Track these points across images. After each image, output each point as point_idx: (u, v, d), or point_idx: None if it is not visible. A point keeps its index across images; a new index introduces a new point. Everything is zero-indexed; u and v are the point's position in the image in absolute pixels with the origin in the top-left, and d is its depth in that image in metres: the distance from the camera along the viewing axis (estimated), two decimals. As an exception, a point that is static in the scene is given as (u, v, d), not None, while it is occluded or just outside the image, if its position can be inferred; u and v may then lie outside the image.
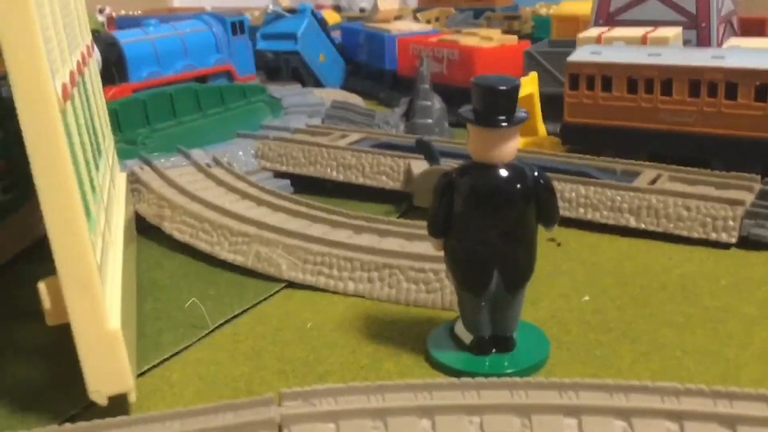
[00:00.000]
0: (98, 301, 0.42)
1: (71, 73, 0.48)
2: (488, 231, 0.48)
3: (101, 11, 1.64)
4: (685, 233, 0.70)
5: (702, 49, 0.97)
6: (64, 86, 0.43)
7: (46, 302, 0.43)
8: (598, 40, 0.97)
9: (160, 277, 0.68)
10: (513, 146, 0.48)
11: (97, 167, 0.55)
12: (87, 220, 0.42)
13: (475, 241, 0.49)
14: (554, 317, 0.58)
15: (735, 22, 1.21)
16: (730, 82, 0.79)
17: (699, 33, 1.08)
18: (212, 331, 0.58)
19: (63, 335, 0.44)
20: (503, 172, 0.48)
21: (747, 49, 0.87)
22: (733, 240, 0.68)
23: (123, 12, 1.78)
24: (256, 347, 0.55)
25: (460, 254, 0.50)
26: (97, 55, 1.00)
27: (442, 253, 0.51)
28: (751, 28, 1.28)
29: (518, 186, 0.48)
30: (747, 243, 0.68)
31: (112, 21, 1.61)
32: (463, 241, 0.49)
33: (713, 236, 0.69)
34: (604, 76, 0.86)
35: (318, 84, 1.42)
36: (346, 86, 1.46)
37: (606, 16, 1.13)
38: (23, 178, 0.74)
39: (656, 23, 1.07)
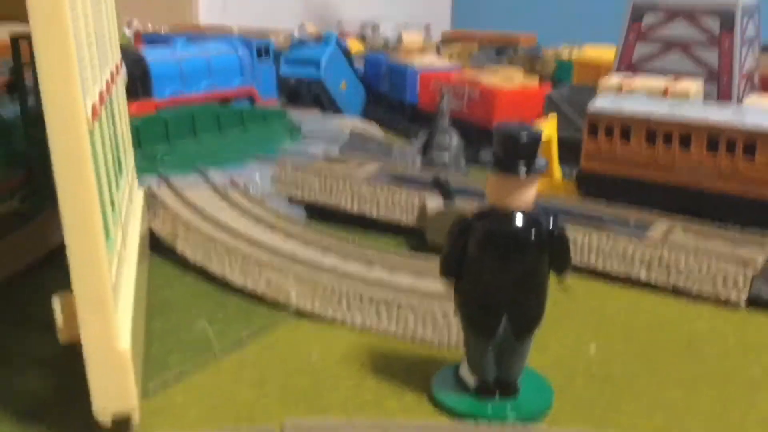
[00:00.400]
0: (110, 321, 0.43)
1: (101, 93, 0.49)
2: (500, 276, 0.49)
3: (129, 24, 1.67)
4: (695, 289, 0.70)
5: (723, 105, 0.98)
6: (93, 106, 0.44)
7: (59, 319, 0.43)
8: (619, 88, 0.97)
9: (171, 296, 0.68)
10: (531, 194, 0.48)
11: (118, 185, 0.56)
12: (106, 240, 0.43)
13: (487, 286, 0.49)
14: (559, 365, 0.58)
15: (756, 79, 1.22)
16: (749, 142, 0.80)
17: (720, 87, 1.09)
18: (218, 356, 0.58)
19: (73, 349, 0.44)
20: (519, 220, 0.48)
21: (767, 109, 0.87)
22: (743, 299, 0.68)
23: (150, 26, 1.81)
24: (260, 375, 0.56)
25: (470, 297, 0.50)
26: (123, 70, 1.02)
27: (451, 293, 0.51)
28: (772, 85, 1.28)
29: (533, 234, 0.48)
30: (757, 303, 0.68)
31: (138, 36, 1.63)
32: (474, 285, 0.50)
33: (723, 294, 0.69)
34: (623, 127, 0.86)
35: (338, 111, 1.43)
36: (365, 115, 1.47)
37: (628, 64, 1.14)
38: (40, 187, 0.75)
39: (678, 74, 1.07)
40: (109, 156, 0.52)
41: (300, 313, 0.65)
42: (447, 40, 1.94)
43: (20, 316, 0.64)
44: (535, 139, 0.47)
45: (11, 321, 0.63)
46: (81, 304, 0.42)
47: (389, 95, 1.47)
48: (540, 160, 0.48)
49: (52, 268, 0.69)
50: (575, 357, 0.59)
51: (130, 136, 0.75)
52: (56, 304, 0.44)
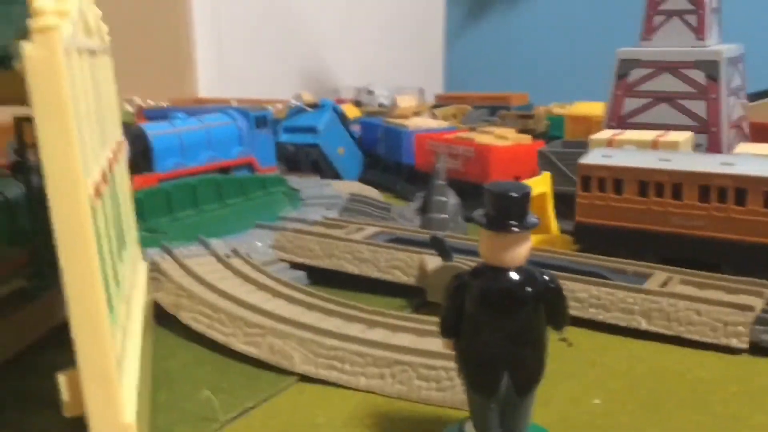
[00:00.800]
0: (115, 395, 0.43)
1: (102, 171, 0.51)
2: (498, 333, 0.49)
3: (130, 102, 1.71)
4: (696, 337, 0.70)
5: (711, 154, 1.00)
6: (95, 185, 0.46)
7: (66, 395, 0.44)
8: (609, 142, 0.99)
9: (175, 366, 0.69)
10: (524, 250, 0.49)
11: (121, 260, 0.57)
12: (109, 315, 0.44)
13: (485, 343, 0.50)
14: (564, 420, 0.58)
15: (745, 127, 1.24)
16: (740, 189, 0.81)
17: (709, 138, 1.11)
18: (223, 425, 0.58)
19: (79, 425, 0.45)
20: (514, 276, 0.49)
21: (756, 156, 0.89)
22: (744, 346, 0.68)
23: (150, 102, 1.85)
24: (266, 442, 0.56)
25: (470, 355, 0.50)
26: (125, 146, 1.04)
27: (453, 352, 0.52)
28: (762, 133, 1.31)
29: (528, 289, 0.49)
30: (757, 349, 0.68)
31: (140, 111, 1.67)
32: (473, 343, 0.50)
33: (723, 341, 0.69)
34: (615, 179, 0.88)
35: (336, 176, 1.45)
36: (363, 179, 1.49)
37: (618, 118, 1.16)
38: (45, 266, 0.76)
39: (667, 127, 1.10)
40: (112, 231, 0.53)
41: (304, 378, 0.65)
42: (440, 102, 1.98)
43: (25, 393, 0.65)
44: (526, 196, 0.49)
45: (17, 399, 0.64)
46: (86, 379, 0.42)
47: (386, 158, 1.50)
48: (531, 217, 0.49)
49: (56, 346, 0.70)
50: (580, 410, 0.59)
51: (133, 210, 0.76)
52: (62, 380, 0.45)
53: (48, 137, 0.41)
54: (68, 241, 0.41)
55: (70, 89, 0.42)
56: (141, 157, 1.10)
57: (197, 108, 1.53)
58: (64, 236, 0.41)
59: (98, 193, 0.47)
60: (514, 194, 0.48)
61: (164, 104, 1.77)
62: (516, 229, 0.48)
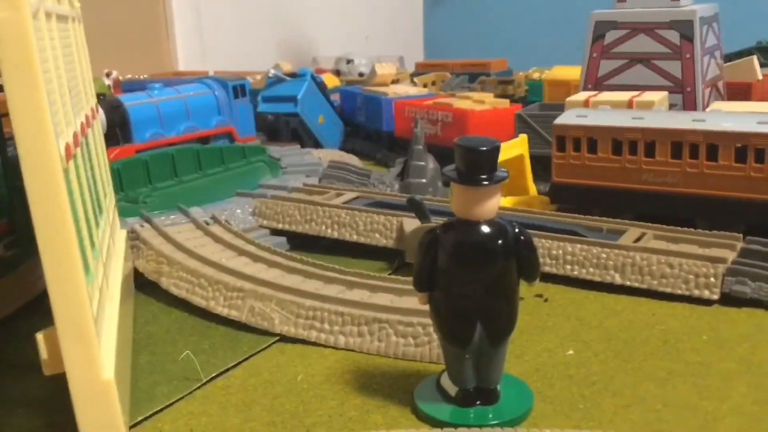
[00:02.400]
0: (93, 352, 0.44)
1: (75, 135, 0.51)
2: (471, 285, 0.50)
3: (108, 75, 1.69)
4: (668, 290, 0.72)
5: (684, 112, 1.01)
6: (67, 146, 0.46)
7: (44, 353, 0.45)
8: (585, 103, 1.00)
9: (156, 331, 0.70)
10: (494, 204, 0.50)
11: (97, 224, 0.57)
12: (85, 275, 0.44)
13: (459, 295, 0.51)
14: (539, 371, 0.59)
15: (721, 87, 1.25)
16: (711, 144, 0.82)
17: (685, 97, 1.12)
18: (205, 383, 0.59)
19: (59, 388, 0.45)
20: (485, 229, 0.50)
21: (727, 113, 0.90)
22: (715, 297, 0.70)
23: (130, 75, 1.84)
24: (247, 399, 0.57)
25: (444, 308, 0.51)
26: (101, 116, 1.04)
27: (428, 307, 0.53)
28: (737, 92, 1.32)
29: (500, 242, 0.50)
30: (729, 300, 0.70)
31: (118, 84, 1.66)
32: (447, 295, 0.51)
33: (696, 293, 0.70)
34: (589, 138, 0.89)
35: (317, 145, 1.45)
36: (344, 147, 1.50)
37: (594, 81, 1.17)
38: (25, 236, 0.76)
39: (643, 88, 1.10)
40: (87, 195, 0.53)
41: (285, 339, 0.66)
42: (420, 71, 1.98)
43: (6, 359, 0.65)
44: (494, 150, 0.49)
45: None
46: (63, 335, 0.43)
47: (366, 125, 1.50)
48: (501, 171, 0.50)
49: (38, 313, 0.71)
50: (554, 361, 0.61)
51: (109, 178, 0.77)
52: (40, 339, 0.45)
53: (17, 99, 0.41)
54: (41, 201, 0.42)
55: (39, 51, 0.42)
56: (118, 128, 1.10)
57: (174, 79, 1.52)
58: (37, 196, 0.42)
59: (70, 155, 0.47)
60: (483, 148, 0.49)
61: (143, 76, 1.76)
62: (486, 183, 0.49)
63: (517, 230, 0.51)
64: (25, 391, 0.59)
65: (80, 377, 0.44)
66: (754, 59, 1.39)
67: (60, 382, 0.45)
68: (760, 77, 1.37)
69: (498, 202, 0.50)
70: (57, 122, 0.44)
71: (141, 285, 0.78)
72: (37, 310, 0.71)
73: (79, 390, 0.44)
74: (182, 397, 0.57)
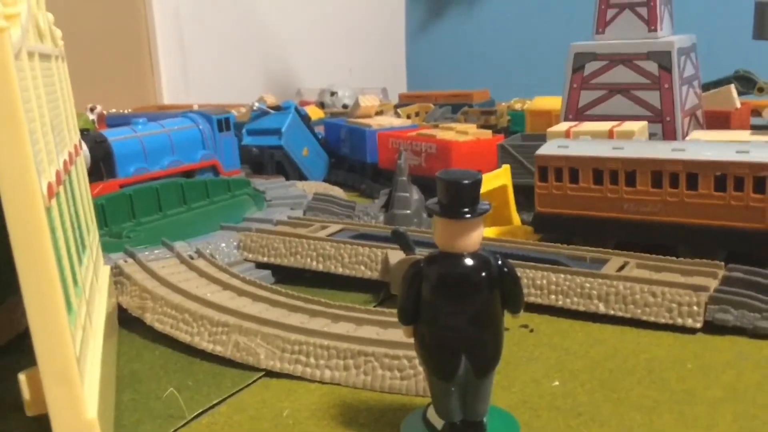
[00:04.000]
0: (76, 392, 0.44)
1: (57, 173, 0.51)
2: (456, 317, 0.50)
3: (92, 109, 1.70)
4: (652, 319, 0.72)
5: (664, 142, 1.02)
6: (49, 186, 0.46)
7: (26, 393, 0.44)
8: (566, 134, 1.01)
9: (140, 368, 0.69)
10: (477, 236, 0.50)
11: (80, 261, 0.57)
12: (68, 314, 0.44)
13: (444, 327, 0.51)
14: (525, 402, 0.59)
15: (700, 116, 1.27)
16: (691, 173, 0.83)
17: (664, 127, 1.14)
18: (189, 421, 0.59)
19: (42, 429, 0.45)
20: (468, 261, 0.50)
21: (706, 142, 0.92)
22: (699, 325, 0.70)
23: (114, 110, 1.84)
24: (232, 436, 0.56)
25: (429, 341, 0.51)
26: (85, 152, 1.04)
27: (413, 340, 0.53)
28: (716, 121, 1.34)
29: (483, 274, 0.50)
30: (712, 328, 0.70)
31: (102, 119, 1.66)
32: (432, 328, 0.51)
33: (679, 321, 0.71)
34: (571, 168, 0.90)
35: (302, 177, 1.46)
36: (329, 179, 1.50)
37: (575, 111, 1.19)
38: (6, 274, 0.75)
39: (623, 118, 1.12)
40: (70, 232, 0.53)
41: (270, 373, 0.66)
42: (404, 102, 2.00)
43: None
44: (476, 183, 0.50)
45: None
46: (46, 376, 0.43)
47: (350, 157, 1.50)
48: (483, 204, 0.50)
49: (20, 351, 0.70)
50: (540, 392, 0.61)
51: (93, 214, 0.76)
52: (22, 380, 0.45)
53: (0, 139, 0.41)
54: (23, 241, 0.42)
55: (21, 90, 0.42)
56: (102, 162, 1.10)
57: (159, 113, 1.53)
58: (19, 236, 0.41)
59: (53, 194, 0.47)
60: (466, 181, 0.50)
61: (127, 111, 1.76)
62: (468, 216, 0.49)
63: (500, 262, 0.51)
64: (7, 430, 0.58)
65: (63, 418, 0.44)
66: (732, 88, 1.41)
67: (43, 423, 0.45)
68: (738, 106, 1.40)
69: (481, 235, 0.51)
70: (39, 161, 0.45)
71: (125, 321, 0.77)
72: (22, 347, 0.70)
73: (62, 431, 0.44)
74: (167, 436, 0.57)
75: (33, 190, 0.42)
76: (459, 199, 0.49)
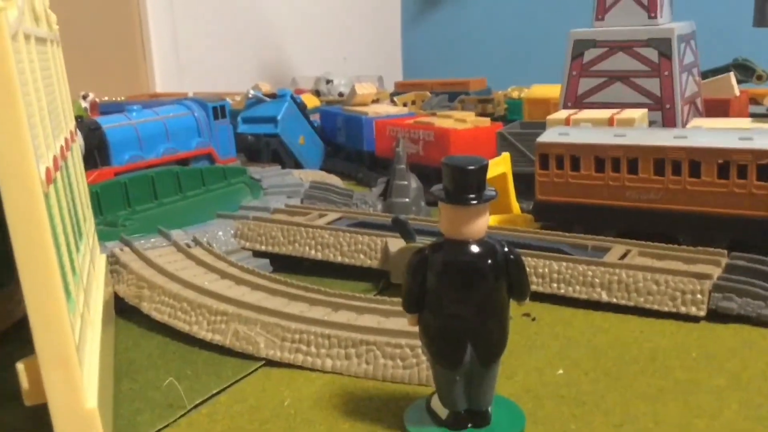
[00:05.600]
0: (76, 381, 0.43)
1: (55, 158, 0.50)
2: (461, 305, 0.50)
3: (85, 97, 1.68)
4: (655, 307, 0.71)
5: (665, 129, 1.01)
6: (47, 171, 0.45)
7: (25, 382, 0.43)
8: (566, 121, 1.00)
9: (138, 357, 0.68)
10: (483, 223, 0.50)
11: (77, 249, 0.56)
12: (66, 302, 0.43)
13: (449, 316, 0.50)
14: (529, 391, 0.58)
15: (699, 104, 1.26)
16: (693, 161, 0.83)
17: (664, 114, 1.13)
18: (189, 410, 0.58)
19: (41, 417, 0.44)
20: (474, 248, 0.49)
21: (708, 129, 0.91)
22: (702, 313, 0.70)
23: (107, 98, 1.82)
24: (233, 426, 0.55)
25: (434, 329, 0.51)
26: (79, 139, 1.03)
27: (417, 329, 0.52)
28: (715, 109, 1.33)
29: (489, 261, 0.49)
30: (715, 316, 0.70)
31: (95, 106, 1.65)
32: (437, 316, 0.50)
33: (683, 309, 0.70)
34: (572, 156, 0.89)
35: (298, 165, 1.45)
36: (325, 167, 1.49)
37: (574, 99, 1.18)
38: (4, 262, 0.74)
39: (623, 105, 1.11)
40: (67, 220, 0.52)
41: (270, 363, 0.65)
42: (400, 90, 1.99)
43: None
44: (483, 169, 0.49)
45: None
46: (45, 364, 0.42)
47: (347, 145, 1.49)
48: (489, 189, 0.50)
49: (18, 340, 0.69)
50: (544, 381, 0.60)
51: (89, 202, 0.75)
52: (21, 368, 0.44)
53: (-2, 124, 0.40)
54: (21, 227, 0.41)
55: (19, 73, 0.41)
56: (96, 150, 1.09)
57: (153, 101, 1.51)
58: (17, 222, 0.40)
59: (50, 179, 0.46)
60: (471, 167, 0.49)
61: (120, 98, 1.75)
62: (474, 202, 0.49)
63: (506, 249, 0.50)
64: (4, 423, 0.57)
65: (62, 407, 0.43)
66: (731, 76, 1.40)
67: (42, 413, 0.44)
68: (738, 93, 1.39)
69: (487, 221, 0.50)
70: (37, 146, 0.43)
71: (121, 310, 0.76)
72: (17, 336, 0.70)
73: (62, 420, 0.43)
74: (166, 426, 0.56)
75: (31, 175, 0.41)
76: (465, 185, 0.49)
